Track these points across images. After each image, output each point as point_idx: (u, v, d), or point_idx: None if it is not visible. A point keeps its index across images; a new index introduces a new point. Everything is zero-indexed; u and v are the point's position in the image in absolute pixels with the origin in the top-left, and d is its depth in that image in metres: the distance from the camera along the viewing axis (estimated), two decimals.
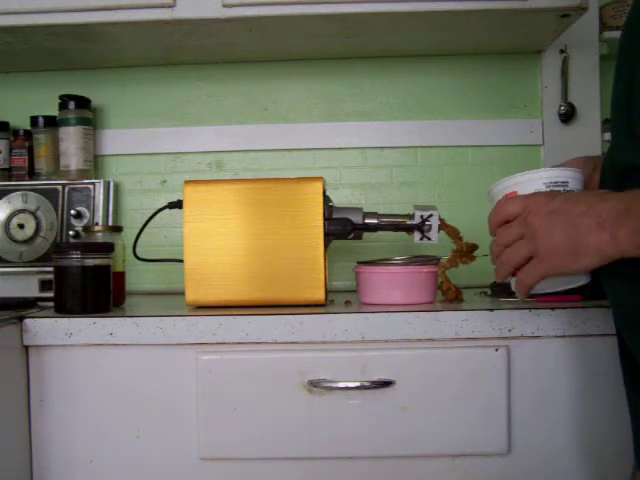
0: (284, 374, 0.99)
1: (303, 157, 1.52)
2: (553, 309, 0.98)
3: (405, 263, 1.12)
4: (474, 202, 1.51)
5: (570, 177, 0.77)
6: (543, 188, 0.75)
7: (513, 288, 0.78)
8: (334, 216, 1.14)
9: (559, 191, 0.74)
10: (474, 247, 1.14)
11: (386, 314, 0.99)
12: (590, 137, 1.47)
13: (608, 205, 0.65)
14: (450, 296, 1.11)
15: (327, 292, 1.10)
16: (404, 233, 1.18)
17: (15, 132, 1.48)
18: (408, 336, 0.98)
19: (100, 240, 1.21)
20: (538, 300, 1.02)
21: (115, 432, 1.01)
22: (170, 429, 1.01)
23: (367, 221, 1.16)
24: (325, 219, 1.10)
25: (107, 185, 1.44)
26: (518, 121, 1.51)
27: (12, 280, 1.36)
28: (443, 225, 1.15)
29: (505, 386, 0.98)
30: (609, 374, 0.97)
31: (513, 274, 0.76)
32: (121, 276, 1.23)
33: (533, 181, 0.76)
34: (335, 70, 1.53)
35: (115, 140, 1.53)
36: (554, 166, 0.81)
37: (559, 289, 0.79)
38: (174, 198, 1.19)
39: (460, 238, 1.15)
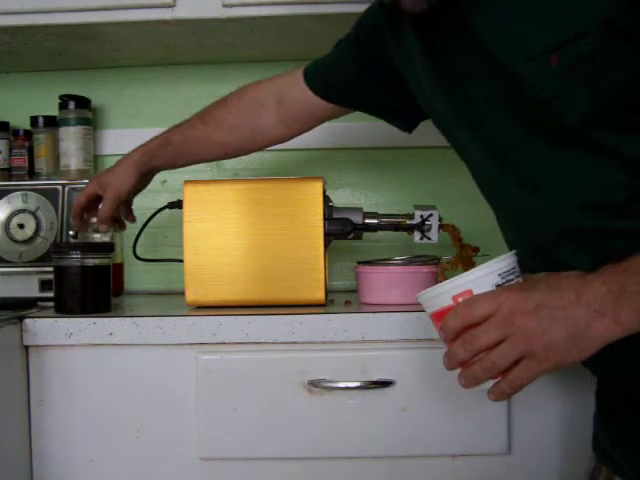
0: (284, 374, 0.99)
1: (303, 157, 1.52)
2: None
3: (405, 263, 1.12)
4: (474, 202, 1.50)
5: (516, 262, 0.71)
6: (499, 281, 0.68)
7: (489, 390, 0.69)
8: (334, 216, 1.14)
9: (512, 280, 0.69)
10: (476, 250, 1.14)
11: (386, 314, 0.99)
12: None
13: (595, 289, 0.62)
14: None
15: (327, 292, 1.10)
16: (404, 233, 1.18)
17: (15, 132, 1.48)
18: (408, 336, 0.98)
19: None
20: None
21: (115, 432, 1.01)
22: (170, 429, 1.01)
23: (367, 221, 1.16)
24: (325, 219, 1.10)
25: None
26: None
27: (12, 280, 1.36)
28: (444, 226, 1.15)
29: None
30: None
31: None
32: (119, 268, 1.30)
33: (490, 275, 0.68)
34: None
35: (115, 140, 1.53)
36: (498, 257, 0.72)
37: None
38: (174, 198, 1.19)
39: (460, 240, 1.15)
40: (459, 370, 0.69)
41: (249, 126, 1.13)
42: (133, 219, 1.22)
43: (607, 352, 0.63)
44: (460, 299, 0.68)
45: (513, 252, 0.71)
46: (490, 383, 0.68)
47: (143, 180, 1.17)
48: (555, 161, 0.70)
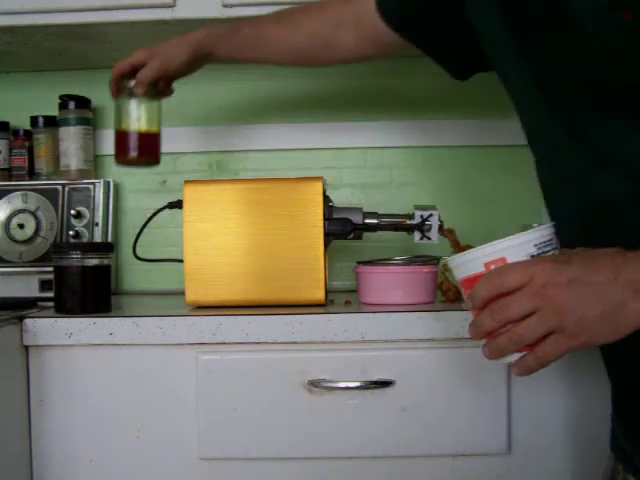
0: (284, 374, 0.99)
1: (303, 157, 1.52)
2: None
3: (405, 263, 1.12)
4: (474, 202, 1.51)
5: (553, 233, 0.69)
6: (534, 251, 0.66)
7: (513, 364, 0.67)
8: (334, 216, 1.14)
9: (549, 252, 0.67)
10: None
11: (386, 314, 0.99)
12: None
13: (635, 268, 0.59)
14: (450, 296, 1.11)
15: (327, 292, 1.10)
16: (404, 233, 1.18)
17: (15, 132, 1.48)
18: (408, 336, 0.98)
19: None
20: None
21: (115, 432, 1.01)
22: (170, 429, 1.01)
23: (367, 221, 1.16)
24: (325, 219, 1.10)
25: (107, 185, 1.44)
26: (518, 121, 1.51)
27: (12, 280, 1.36)
28: (446, 231, 1.15)
29: (505, 386, 0.98)
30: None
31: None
32: (156, 137, 1.18)
33: (525, 245, 0.66)
34: (335, 70, 1.53)
35: None
36: (535, 226, 0.71)
37: None
38: (174, 198, 1.18)
39: (458, 243, 1.14)
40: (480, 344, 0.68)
41: (326, 40, 1.08)
42: (171, 92, 1.17)
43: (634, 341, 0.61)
44: (492, 267, 0.65)
45: (551, 224, 0.68)
46: (514, 357, 0.66)
47: (195, 63, 1.11)
48: (613, 126, 0.66)
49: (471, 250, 0.67)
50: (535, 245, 0.66)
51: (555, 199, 0.78)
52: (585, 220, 0.72)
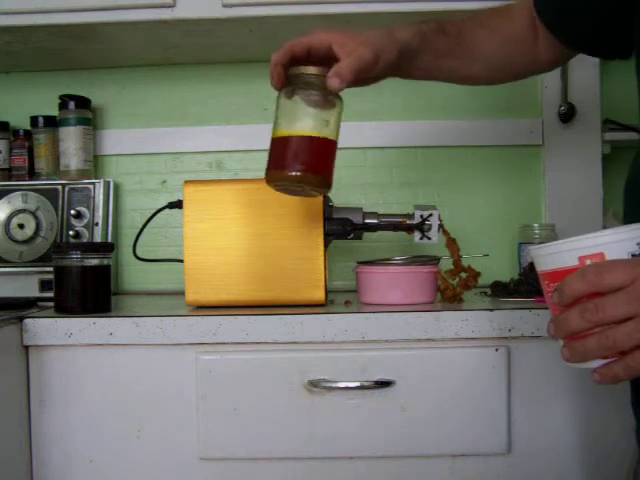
0: (284, 374, 0.99)
1: None
2: None
3: (405, 263, 1.12)
4: (474, 202, 1.51)
5: None
6: (637, 250, 0.60)
7: (595, 370, 0.61)
8: (334, 216, 1.14)
9: None
10: (477, 275, 1.13)
11: (386, 314, 0.99)
12: (590, 137, 1.47)
13: None
14: (448, 294, 1.11)
15: (327, 292, 1.10)
16: (404, 233, 1.18)
17: (15, 132, 1.48)
18: (408, 336, 0.98)
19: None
20: (538, 300, 1.01)
21: (115, 432, 1.01)
22: (170, 429, 1.01)
23: (367, 221, 1.16)
24: (325, 219, 1.10)
25: (107, 185, 1.44)
26: (518, 121, 1.51)
27: (12, 280, 1.36)
28: (447, 238, 1.15)
29: (505, 386, 0.98)
30: None
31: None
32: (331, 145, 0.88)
33: (627, 241, 0.60)
34: None
35: (115, 140, 1.53)
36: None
37: None
38: (174, 198, 1.18)
39: (458, 250, 1.14)
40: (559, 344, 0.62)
41: (527, 45, 0.95)
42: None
43: None
44: (587, 261, 0.60)
45: None
46: (597, 362, 0.61)
47: (395, 66, 0.89)
48: None
49: (565, 240, 0.61)
50: (638, 244, 0.60)
51: None
52: None
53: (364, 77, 0.86)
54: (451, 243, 1.15)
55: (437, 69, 0.94)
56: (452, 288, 1.11)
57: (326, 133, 0.85)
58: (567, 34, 0.92)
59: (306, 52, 0.86)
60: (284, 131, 0.85)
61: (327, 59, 0.84)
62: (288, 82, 0.86)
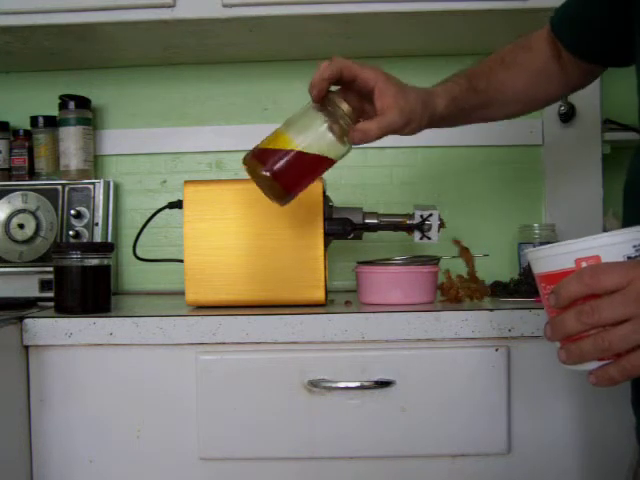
0: (284, 374, 0.99)
1: None
2: None
3: (405, 263, 1.12)
4: (474, 202, 1.51)
5: None
6: (632, 253, 0.60)
7: (591, 372, 0.62)
8: (334, 216, 1.14)
9: None
10: (485, 293, 1.13)
11: (386, 314, 0.99)
12: (590, 137, 1.47)
13: None
14: (451, 294, 1.11)
15: (327, 292, 1.10)
16: (404, 233, 1.18)
17: (15, 132, 1.48)
18: (408, 336, 0.98)
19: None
20: (538, 300, 1.01)
21: (115, 432, 1.01)
22: (170, 429, 1.01)
23: (367, 221, 1.16)
24: (325, 219, 1.10)
25: (107, 185, 1.44)
26: (518, 121, 1.49)
27: (12, 280, 1.36)
28: (462, 250, 1.15)
29: (505, 386, 0.98)
30: None
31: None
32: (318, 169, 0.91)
33: (623, 244, 0.60)
34: None
35: (115, 140, 1.53)
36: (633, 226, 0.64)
37: None
38: (174, 198, 1.18)
39: (472, 259, 1.14)
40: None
41: (549, 73, 0.98)
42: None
43: None
44: (583, 264, 0.60)
45: None
46: (594, 364, 0.61)
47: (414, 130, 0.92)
48: None
49: (561, 243, 0.62)
50: (634, 247, 0.61)
51: None
52: None
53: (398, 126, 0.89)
54: (465, 252, 1.15)
55: (472, 120, 1.01)
56: (456, 290, 1.11)
57: (323, 155, 0.88)
58: (586, 51, 0.95)
59: (352, 80, 0.88)
60: (289, 134, 0.87)
61: (366, 95, 0.88)
62: (324, 101, 0.88)
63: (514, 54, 0.99)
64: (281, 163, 0.85)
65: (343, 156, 0.90)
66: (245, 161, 0.89)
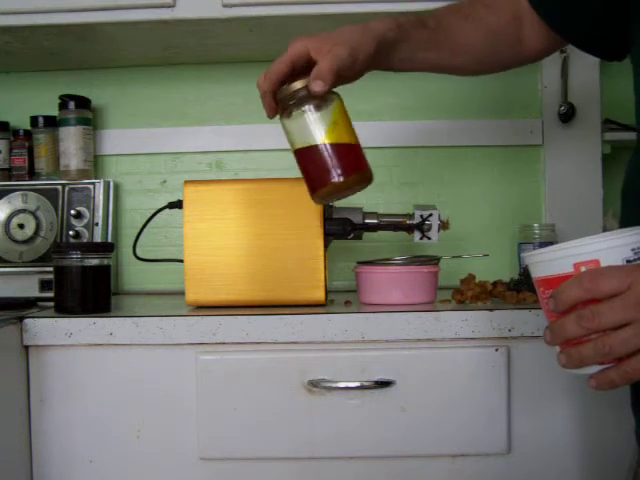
0: (284, 374, 0.99)
1: None
2: None
3: (405, 263, 1.12)
4: (474, 202, 1.51)
5: None
6: (631, 256, 0.60)
7: (591, 376, 0.62)
8: (334, 216, 1.14)
9: None
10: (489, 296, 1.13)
11: (386, 314, 0.99)
12: (590, 137, 1.47)
13: None
14: (458, 298, 1.09)
15: (327, 292, 1.10)
16: (404, 233, 1.18)
17: (15, 132, 1.48)
18: (408, 336, 0.98)
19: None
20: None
21: (115, 432, 1.01)
22: (170, 429, 1.01)
23: (367, 221, 1.16)
24: (325, 219, 1.10)
25: (107, 185, 1.44)
26: (518, 121, 1.51)
27: (12, 280, 1.36)
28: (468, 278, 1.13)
29: (505, 386, 0.98)
30: None
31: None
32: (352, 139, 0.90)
33: (622, 248, 0.60)
34: None
35: (115, 140, 1.53)
36: (633, 228, 0.63)
37: None
38: (174, 198, 1.19)
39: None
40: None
41: (511, 35, 0.93)
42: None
43: None
44: (582, 268, 0.60)
45: None
46: (594, 368, 0.61)
47: (375, 60, 0.87)
48: None
49: (559, 246, 0.62)
50: (633, 250, 0.60)
51: None
52: None
53: (346, 74, 0.85)
54: (470, 278, 1.13)
55: (419, 61, 0.92)
56: (477, 289, 1.09)
57: (340, 131, 0.86)
58: (566, 28, 0.91)
59: (291, 69, 0.84)
60: (305, 148, 0.85)
61: (310, 67, 0.84)
62: (281, 105, 0.86)
63: (473, 7, 0.93)
64: (332, 164, 0.84)
65: (342, 105, 0.88)
66: (321, 200, 0.88)
